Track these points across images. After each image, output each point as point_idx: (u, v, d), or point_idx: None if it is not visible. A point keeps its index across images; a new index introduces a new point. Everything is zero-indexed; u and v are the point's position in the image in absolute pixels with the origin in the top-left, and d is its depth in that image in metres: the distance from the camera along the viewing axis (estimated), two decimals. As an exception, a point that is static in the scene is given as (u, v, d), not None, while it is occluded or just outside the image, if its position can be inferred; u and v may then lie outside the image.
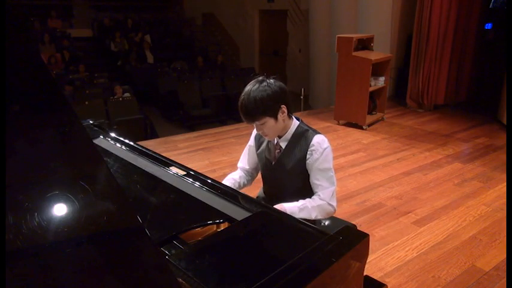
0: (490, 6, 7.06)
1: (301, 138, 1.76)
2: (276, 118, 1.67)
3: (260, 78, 1.68)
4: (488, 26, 7.04)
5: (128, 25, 11.95)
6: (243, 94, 1.66)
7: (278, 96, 1.65)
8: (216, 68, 10.29)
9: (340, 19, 7.49)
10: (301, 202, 1.73)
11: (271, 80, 1.67)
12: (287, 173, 1.80)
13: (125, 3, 13.17)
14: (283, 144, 1.79)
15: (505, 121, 5.24)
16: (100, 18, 12.18)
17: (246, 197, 1.45)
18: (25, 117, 0.81)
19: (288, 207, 1.68)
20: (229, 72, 9.92)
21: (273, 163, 1.83)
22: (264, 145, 1.88)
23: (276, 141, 1.82)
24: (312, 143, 1.73)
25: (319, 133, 1.78)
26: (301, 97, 6.77)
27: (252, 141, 1.95)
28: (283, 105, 1.68)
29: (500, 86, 5.63)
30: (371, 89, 5.21)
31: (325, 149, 1.73)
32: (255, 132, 1.90)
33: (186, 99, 8.16)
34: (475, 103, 6.53)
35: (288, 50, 11.46)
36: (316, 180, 1.75)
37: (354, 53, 5.12)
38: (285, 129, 1.77)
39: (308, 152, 1.74)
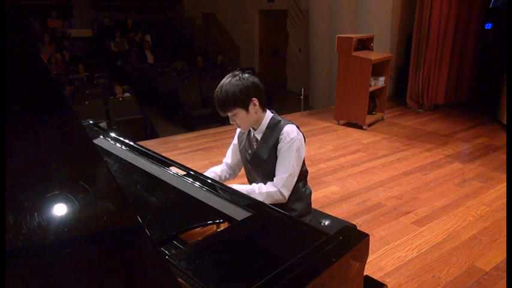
0: (490, 6, 7.06)
1: (275, 129, 1.84)
2: (247, 110, 1.77)
3: (235, 72, 1.79)
4: (488, 26, 7.04)
5: (128, 25, 11.95)
6: (218, 87, 1.77)
7: (250, 90, 1.75)
8: (216, 68, 10.29)
9: (340, 19, 7.49)
10: (250, 187, 1.82)
11: (246, 75, 1.77)
12: (264, 163, 1.86)
13: (125, 3, 13.17)
14: (258, 136, 1.87)
15: (505, 121, 5.24)
16: (100, 18, 12.18)
17: (246, 197, 1.45)
18: (25, 117, 0.81)
19: (236, 187, 1.73)
20: (229, 72, 9.86)
21: (251, 155, 1.91)
22: (244, 141, 1.96)
23: (252, 134, 1.90)
24: (282, 131, 1.81)
25: (290, 123, 1.85)
26: (301, 97, 6.77)
27: (235, 139, 2.04)
28: (255, 98, 1.77)
29: (500, 86, 5.63)
30: (371, 89, 5.21)
31: (292, 138, 1.79)
32: (238, 130, 1.98)
33: (186, 99, 8.16)
34: (475, 103, 6.53)
35: (288, 50, 11.46)
36: (276, 166, 1.82)
37: (354, 53, 5.12)
38: (259, 121, 1.85)
39: (278, 140, 1.81)
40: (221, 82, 1.78)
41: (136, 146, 1.92)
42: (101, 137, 2.03)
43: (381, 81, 5.43)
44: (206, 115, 8.07)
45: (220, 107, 1.77)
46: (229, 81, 1.75)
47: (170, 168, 1.65)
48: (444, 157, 4.33)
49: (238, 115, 1.77)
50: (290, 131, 1.80)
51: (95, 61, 11.09)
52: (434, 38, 5.89)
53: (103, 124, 2.29)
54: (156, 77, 9.08)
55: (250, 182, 2.03)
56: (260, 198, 1.78)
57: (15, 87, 0.80)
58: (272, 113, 1.89)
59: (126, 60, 10.39)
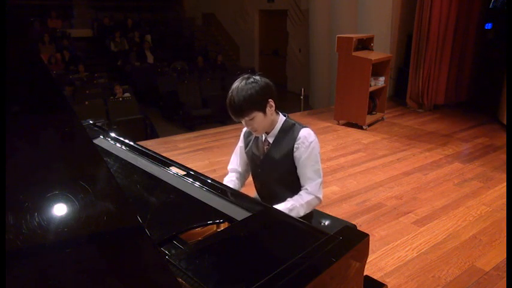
0: (490, 6, 7.06)
1: (288, 132, 1.80)
2: (264, 112, 1.71)
3: (246, 75, 1.72)
4: (488, 26, 7.04)
5: (128, 25, 11.95)
6: (230, 91, 1.70)
7: (265, 91, 1.70)
8: (216, 68, 10.29)
9: (340, 19, 7.49)
10: (290, 203, 1.75)
11: (257, 77, 1.72)
12: (275, 167, 1.83)
13: (125, 3, 13.16)
14: (270, 140, 1.83)
15: (505, 121, 5.24)
16: (100, 18, 12.18)
17: (246, 197, 1.45)
18: (25, 117, 0.81)
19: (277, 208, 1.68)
20: (229, 72, 9.92)
21: (262, 158, 1.86)
22: (251, 142, 1.91)
23: (264, 138, 1.85)
24: (298, 136, 1.77)
25: (305, 127, 1.82)
26: (301, 97, 6.77)
27: (241, 140, 1.98)
28: (271, 100, 1.72)
29: (500, 86, 5.63)
30: (371, 89, 5.21)
31: (311, 142, 1.77)
32: (243, 131, 1.94)
33: (186, 99, 8.16)
34: (475, 103, 6.52)
35: (288, 50, 11.46)
36: (303, 173, 1.79)
37: (354, 53, 5.12)
38: (272, 124, 1.80)
39: (295, 146, 1.77)
40: (233, 86, 1.70)
41: (136, 146, 1.92)
42: (101, 137, 2.03)
43: (381, 81, 5.43)
44: (206, 115, 8.07)
45: (236, 112, 1.68)
46: (244, 84, 1.67)
47: (170, 168, 1.65)
48: (444, 157, 4.33)
49: (256, 119, 1.70)
50: (307, 134, 1.77)
51: (95, 61, 11.08)
52: (434, 38, 5.89)
53: (102, 123, 2.28)
54: (156, 77, 9.08)
55: (257, 186, 1.99)
56: (302, 210, 1.76)
57: (15, 88, 0.80)
58: (284, 116, 1.84)
59: (126, 60, 10.39)
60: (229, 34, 13.43)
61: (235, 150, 2.02)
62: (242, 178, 2.02)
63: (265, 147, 1.85)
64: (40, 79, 0.86)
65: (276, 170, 1.83)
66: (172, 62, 10.49)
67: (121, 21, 12.22)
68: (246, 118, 1.70)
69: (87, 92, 7.50)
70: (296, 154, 1.77)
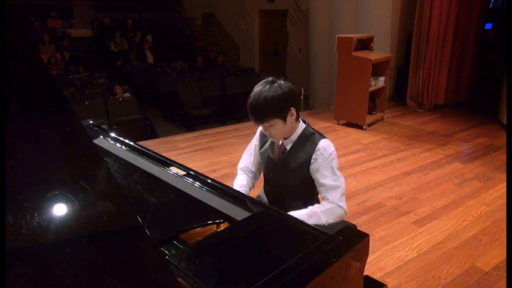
0: (490, 6, 7.06)
1: (307, 141, 1.75)
2: (284, 120, 1.66)
3: (270, 79, 1.66)
4: (488, 26, 7.04)
5: (128, 25, 11.95)
6: (252, 94, 1.63)
7: (289, 98, 1.64)
8: (216, 68, 10.30)
9: (340, 19, 7.49)
10: (309, 208, 1.71)
11: (281, 81, 1.66)
12: (289, 174, 1.79)
13: (125, 3, 13.17)
14: (288, 146, 1.78)
15: (505, 121, 5.24)
16: (100, 18, 12.19)
17: (246, 197, 1.45)
18: (25, 117, 0.81)
19: (296, 215, 1.62)
20: (229, 72, 9.92)
21: (277, 163, 1.82)
22: (267, 144, 1.86)
23: (280, 142, 1.80)
24: (317, 147, 1.72)
25: (324, 137, 1.77)
26: (301, 97, 6.77)
27: (257, 139, 1.93)
28: (293, 108, 1.66)
29: (500, 86, 5.63)
30: (371, 89, 5.21)
31: (330, 153, 1.72)
32: (259, 129, 1.88)
33: (186, 99, 8.16)
34: (475, 103, 6.53)
35: (288, 50, 11.46)
36: (322, 184, 1.74)
37: (354, 53, 5.12)
38: (292, 130, 1.75)
39: (313, 157, 1.72)
40: (256, 90, 1.63)
41: (136, 146, 1.92)
42: (101, 137, 2.03)
43: (381, 81, 5.43)
44: (206, 115, 8.07)
45: (256, 117, 1.63)
46: (268, 88, 1.61)
47: (170, 168, 1.65)
48: (444, 157, 4.33)
49: (276, 126, 1.65)
50: (327, 146, 1.72)
51: (95, 61, 11.09)
52: (434, 38, 5.89)
53: (99, 122, 2.28)
54: (156, 77, 9.08)
55: (266, 189, 1.96)
56: (324, 218, 1.69)
57: (15, 87, 0.80)
58: (305, 123, 1.79)
59: (126, 60, 10.39)
60: (229, 34, 13.43)
61: (248, 148, 1.97)
62: (253, 179, 1.98)
63: (281, 153, 1.81)
64: (40, 79, 0.86)
65: (290, 178, 1.79)
66: (172, 62, 10.49)
67: (121, 21, 12.22)
68: (265, 124, 1.66)
69: (87, 92, 7.50)
70: (313, 166, 1.73)
